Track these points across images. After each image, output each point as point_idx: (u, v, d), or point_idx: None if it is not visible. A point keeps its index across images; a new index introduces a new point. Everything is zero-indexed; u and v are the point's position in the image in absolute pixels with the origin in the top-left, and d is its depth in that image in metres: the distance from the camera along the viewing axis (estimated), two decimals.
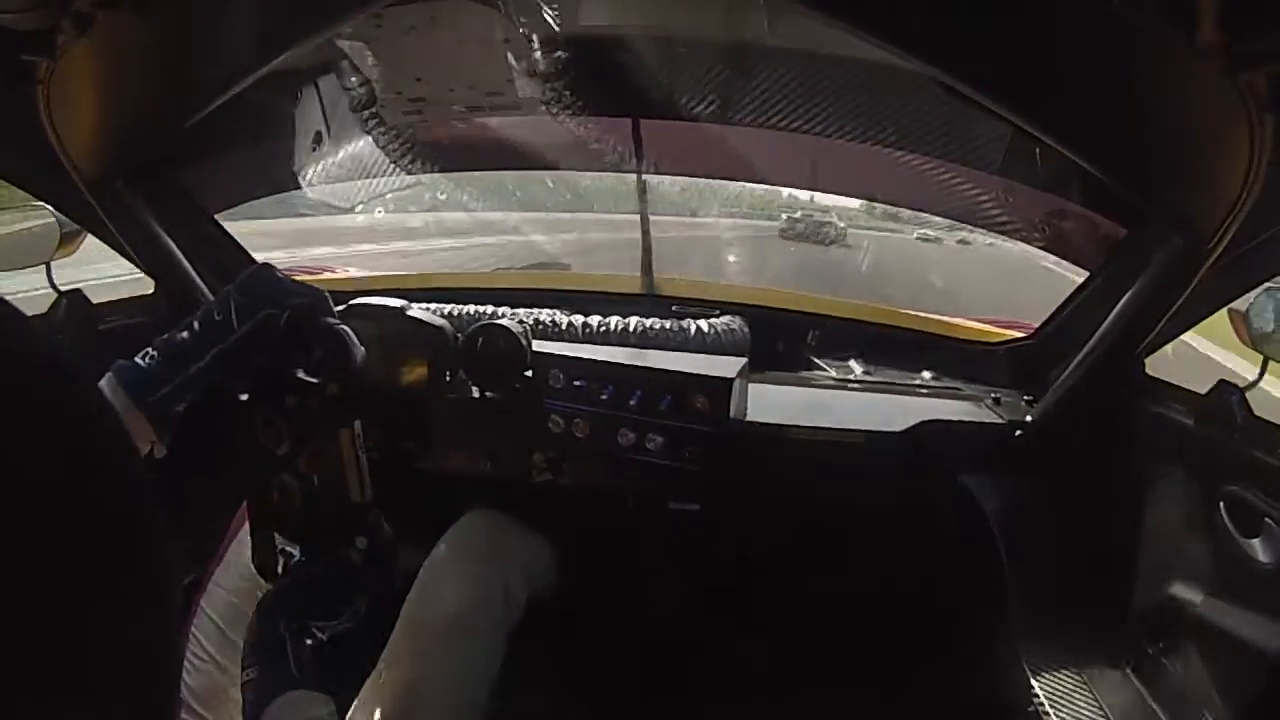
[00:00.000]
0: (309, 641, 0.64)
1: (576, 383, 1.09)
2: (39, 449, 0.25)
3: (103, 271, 1.48)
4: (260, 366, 0.73)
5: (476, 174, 1.94)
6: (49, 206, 1.09)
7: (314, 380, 0.74)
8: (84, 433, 0.27)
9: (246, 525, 0.98)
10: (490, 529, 1.10)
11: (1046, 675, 0.99)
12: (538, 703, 1.04)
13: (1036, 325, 1.33)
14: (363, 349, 0.74)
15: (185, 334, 0.70)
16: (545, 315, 1.33)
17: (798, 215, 12.93)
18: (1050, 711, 0.94)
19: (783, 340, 1.45)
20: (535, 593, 1.07)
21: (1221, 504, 0.87)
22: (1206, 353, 3.59)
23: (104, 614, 0.26)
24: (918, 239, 13.98)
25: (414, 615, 0.90)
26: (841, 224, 12.78)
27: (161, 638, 0.30)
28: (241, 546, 0.96)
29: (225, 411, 0.75)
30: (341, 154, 1.42)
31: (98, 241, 1.15)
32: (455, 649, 0.89)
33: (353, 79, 1.22)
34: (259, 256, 1.38)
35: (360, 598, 0.70)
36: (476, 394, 1.08)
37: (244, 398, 0.75)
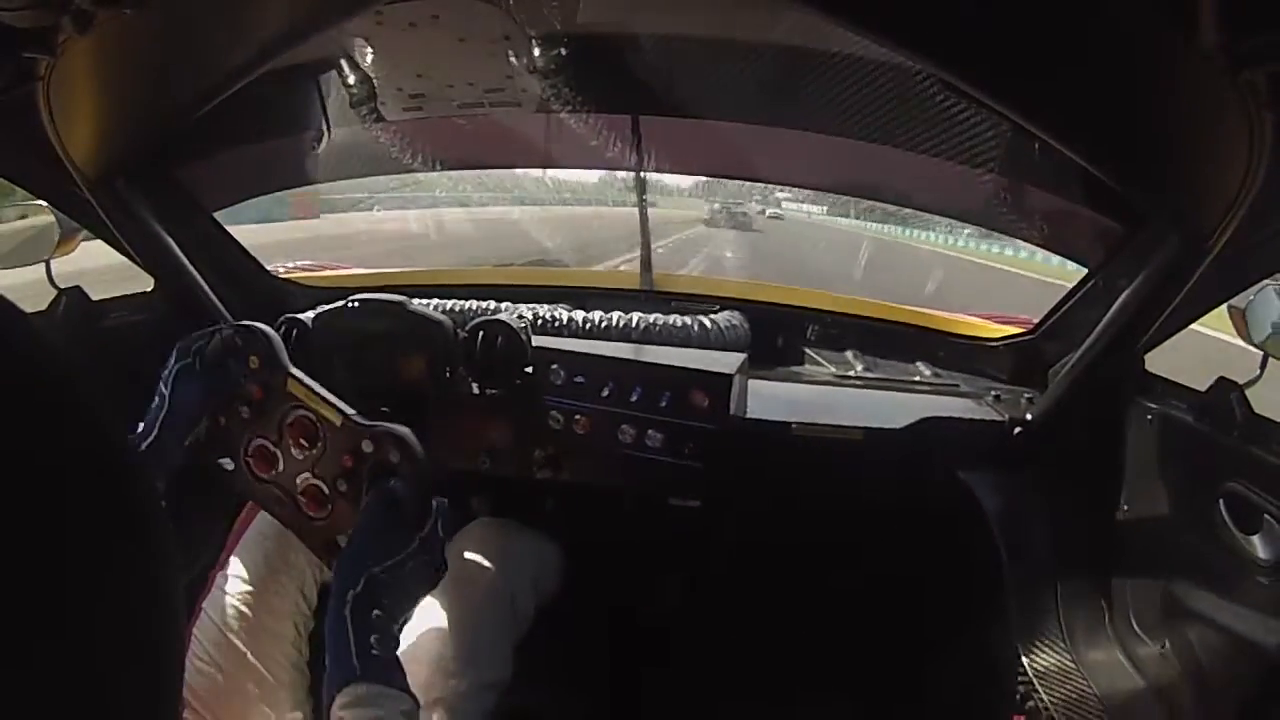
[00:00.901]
0: (377, 614, 0.64)
1: (577, 379, 1.09)
2: (39, 448, 0.25)
3: None
4: (212, 398, 0.82)
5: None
6: (49, 205, 1.09)
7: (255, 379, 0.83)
8: (84, 431, 0.27)
9: (249, 528, 0.98)
10: (498, 539, 1.09)
11: (1045, 670, 1.00)
12: (539, 700, 1.04)
13: (1036, 321, 1.34)
14: (279, 340, 0.83)
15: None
16: (546, 311, 1.33)
17: (718, 205, 13.82)
18: (1048, 705, 0.95)
19: (783, 336, 1.45)
20: (541, 603, 1.08)
21: (1221, 500, 0.88)
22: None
23: (106, 613, 0.26)
24: (769, 216, 16.62)
25: (421, 628, 0.90)
26: (753, 211, 14.39)
27: (164, 638, 0.30)
28: (244, 549, 0.96)
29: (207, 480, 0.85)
30: (340, 151, 1.42)
31: None
32: (462, 661, 0.89)
33: (353, 75, 1.22)
34: None
35: (416, 520, 0.72)
36: (476, 390, 1.08)
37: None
